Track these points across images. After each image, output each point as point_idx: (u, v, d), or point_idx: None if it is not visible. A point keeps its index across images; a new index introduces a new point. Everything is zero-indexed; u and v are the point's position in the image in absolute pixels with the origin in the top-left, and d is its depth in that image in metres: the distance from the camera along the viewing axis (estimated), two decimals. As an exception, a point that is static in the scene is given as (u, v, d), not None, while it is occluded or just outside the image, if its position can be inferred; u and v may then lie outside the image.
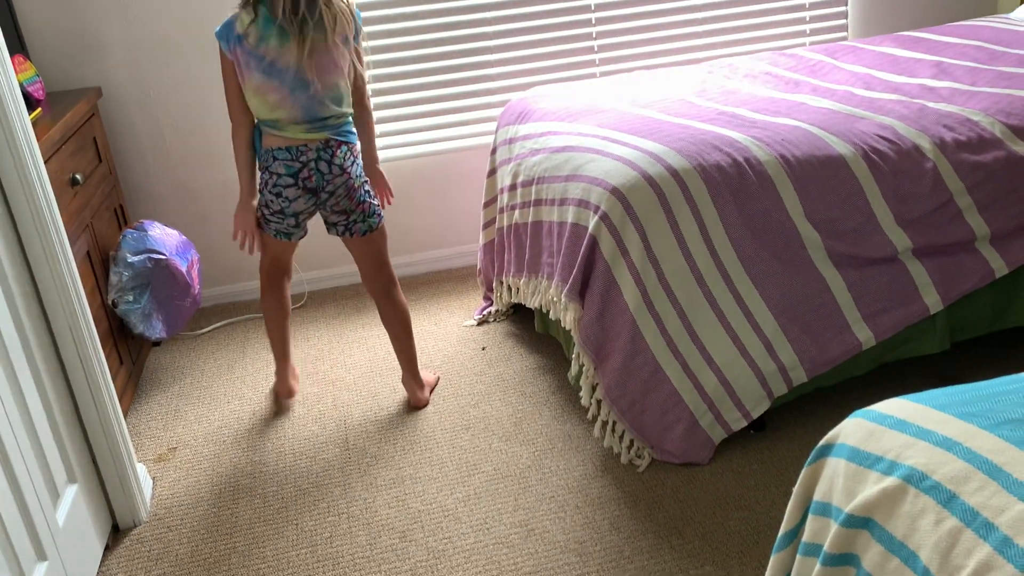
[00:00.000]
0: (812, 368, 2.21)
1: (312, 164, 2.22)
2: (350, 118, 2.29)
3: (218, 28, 2.16)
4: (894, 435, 1.10)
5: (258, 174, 2.31)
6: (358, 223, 2.34)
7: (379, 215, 2.38)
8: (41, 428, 1.81)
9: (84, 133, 2.63)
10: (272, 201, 2.27)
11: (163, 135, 3.06)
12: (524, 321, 2.95)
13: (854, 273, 2.20)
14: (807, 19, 3.51)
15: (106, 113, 2.98)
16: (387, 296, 2.46)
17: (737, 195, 2.13)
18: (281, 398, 2.62)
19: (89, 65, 2.92)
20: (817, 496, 1.19)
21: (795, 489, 1.25)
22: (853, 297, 2.21)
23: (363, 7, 3.08)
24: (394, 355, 2.71)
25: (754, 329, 2.16)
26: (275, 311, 2.54)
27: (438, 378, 2.65)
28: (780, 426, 2.30)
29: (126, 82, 2.97)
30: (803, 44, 3.51)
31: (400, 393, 2.62)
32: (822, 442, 1.22)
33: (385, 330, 2.64)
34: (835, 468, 1.16)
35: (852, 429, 1.16)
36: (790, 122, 2.35)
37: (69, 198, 2.37)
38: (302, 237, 2.40)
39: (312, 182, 2.24)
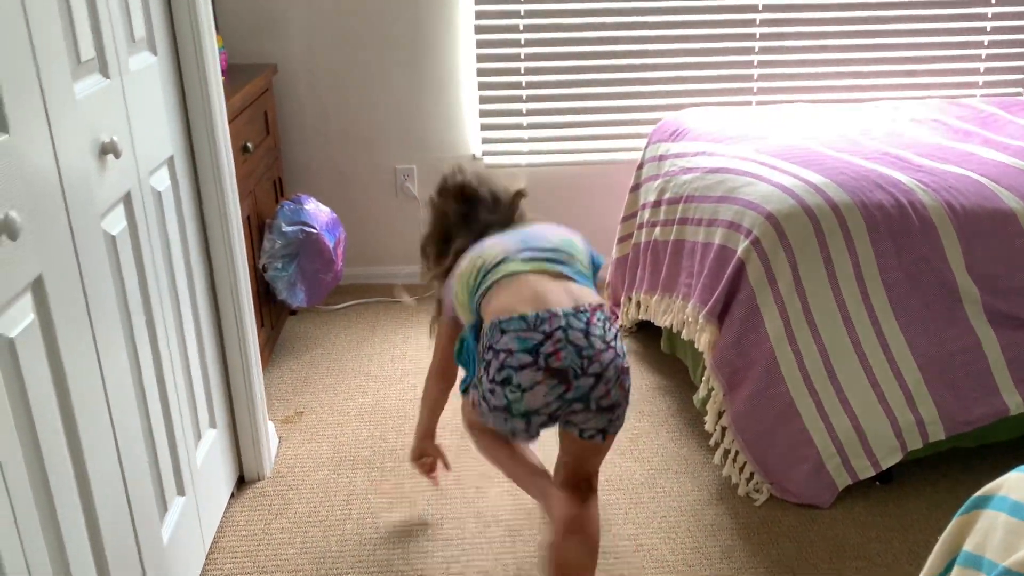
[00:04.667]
0: (951, 426, 2.12)
1: (563, 336, 1.55)
2: None
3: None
4: (1066, 495, 1.04)
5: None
6: (618, 421, 1.65)
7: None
8: (195, 372, 1.92)
9: (258, 105, 2.78)
10: (493, 393, 1.59)
11: (327, 116, 3.20)
12: (648, 340, 2.93)
13: (1011, 334, 2.10)
14: (981, 70, 3.37)
15: (277, 88, 3.14)
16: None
17: (896, 237, 2.06)
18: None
19: (269, 42, 3.09)
20: (968, 547, 1.14)
21: (942, 537, 1.20)
22: (1007, 360, 2.11)
23: (529, 14, 3.14)
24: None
25: (896, 377, 2.09)
26: (502, 445, 1.82)
27: None
28: (909, 481, 2.21)
29: (300, 61, 3.13)
30: (973, 95, 3.38)
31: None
32: (980, 492, 1.17)
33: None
34: (992, 521, 1.11)
35: (1017, 483, 1.11)
36: (959, 170, 2.26)
37: (239, 164, 2.51)
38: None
39: (563, 361, 1.54)
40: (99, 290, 1.40)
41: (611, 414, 1.62)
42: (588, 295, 1.64)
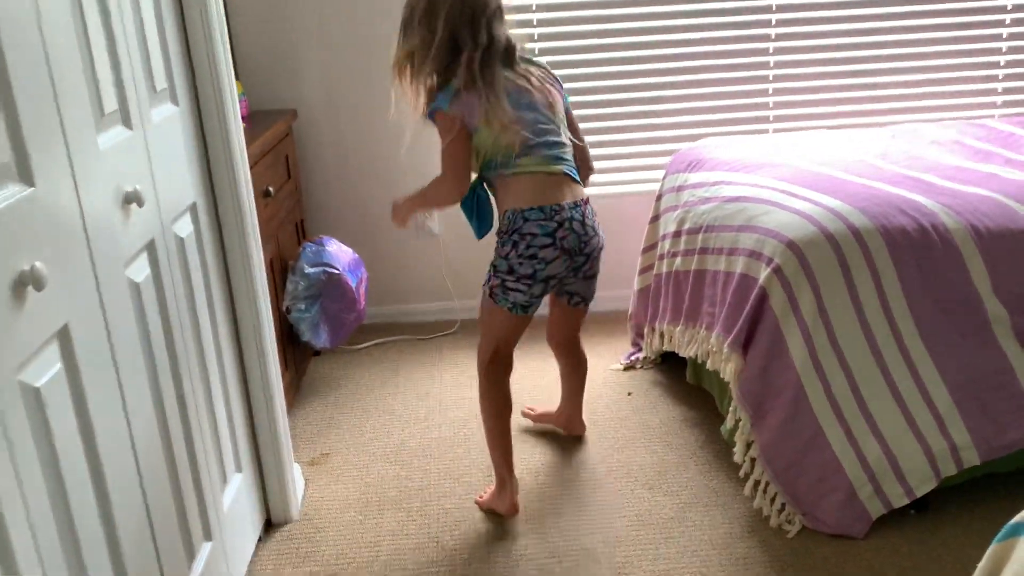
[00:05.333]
0: (987, 451, 2.07)
1: (567, 224, 2.07)
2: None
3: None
4: (1107, 521, 1.02)
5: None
6: (593, 290, 2.30)
7: None
8: (220, 416, 1.93)
9: (279, 150, 2.83)
10: (525, 265, 2.08)
11: (347, 157, 3.24)
12: (672, 371, 2.91)
13: (1043, 355, 2.07)
14: (999, 90, 3.36)
15: (298, 132, 3.19)
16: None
17: (921, 261, 2.05)
18: (508, 516, 2.23)
19: (289, 86, 3.15)
20: (1007, 575, 1.11)
21: (980, 565, 1.18)
22: (1040, 381, 2.07)
23: (544, 51, 3.18)
24: (544, 390, 2.75)
25: (927, 403, 2.05)
26: (500, 412, 2.23)
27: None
28: (945, 508, 2.16)
29: (320, 104, 3.18)
30: (992, 116, 3.36)
31: (546, 427, 2.63)
32: (1017, 519, 1.14)
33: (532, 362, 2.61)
34: (1032, 549, 1.08)
35: (1055, 510, 1.09)
36: (981, 192, 2.24)
37: (261, 208, 2.54)
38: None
39: (569, 242, 2.08)
40: (124, 337, 1.42)
41: (592, 282, 2.26)
42: (580, 191, 2.15)
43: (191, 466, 1.73)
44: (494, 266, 2.13)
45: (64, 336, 1.21)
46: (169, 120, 1.73)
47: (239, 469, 2.06)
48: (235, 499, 1.99)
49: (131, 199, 1.47)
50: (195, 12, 1.84)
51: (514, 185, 2.09)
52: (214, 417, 1.89)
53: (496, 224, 2.19)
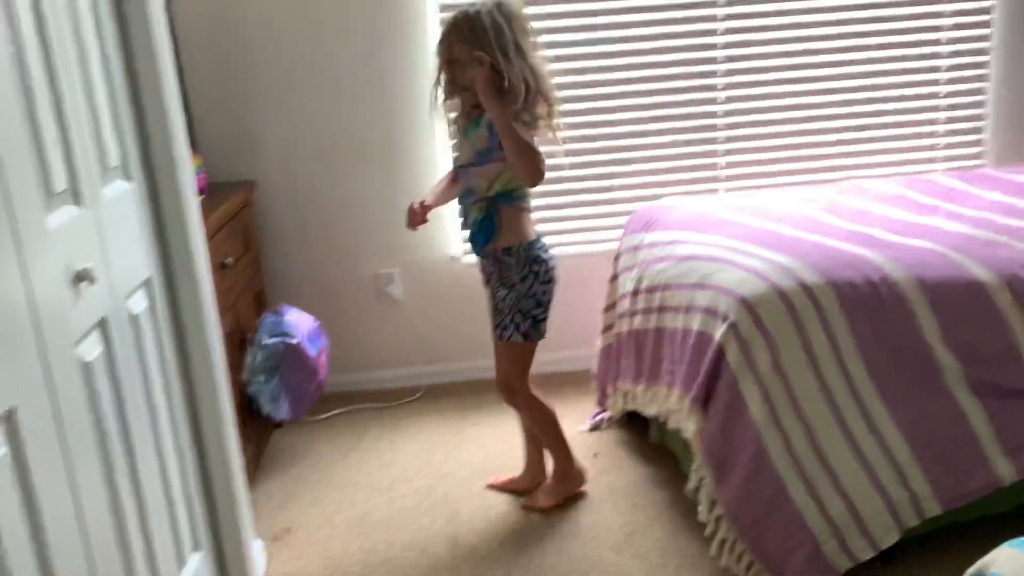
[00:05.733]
0: (946, 501, 2.09)
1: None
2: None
3: None
4: (1056, 569, 1.03)
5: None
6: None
7: None
8: (175, 493, 1.89)
9: (237, 221, 2.83)
10: (547, 291, 2.34)
11: (306, 226, 3.25)
12: (637, 430, 2.91)
13: (996, 403, 2.10)
14: (941, 145, 3.47)
15: (256, 203, 3.19)
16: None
17: (871, 314, 2.09)
18: (582, 484, 2.58)
19: (247, 159, 3.16)
20: (968, 627, 1.12)
21: (941, 620, 1.18)
22: (994, 429, 2.10)
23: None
24: (506, 454, 2.74)
25: (884, 455, 2.07)
26: (554, 416, 2.51)
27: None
28: (911, 561, 2.17)
29: (279, 175, 3.19)
30: (934, 170, 3.47)
31: (508, 498, 2.61)
32: (972, 571, 1.15)
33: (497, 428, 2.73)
34: (988, 601, 1.09)
35: (1007, 559, 1.10)
36: (926, 244, 2.30)
37: (219, 280, 2.52)
38: None
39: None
40: (74, 416, 1.39)
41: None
42: None
43: (145, 546, 1.68)
44: (519, 311, 2.32)
45: (10, 420, 1.19)
46: (122, 196, 1.73)
47: (197, 548, 2.01)
48: (193, 579, 1.94)
49: (82, 277, 1.46)
50: (149, 86, 1.84)
51: (524, 216, 2.33)
52: (170, 495, 1.85)
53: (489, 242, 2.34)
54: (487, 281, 2.42)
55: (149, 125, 1.87)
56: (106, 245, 1.61)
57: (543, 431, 2.52)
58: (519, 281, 2.30)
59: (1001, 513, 2.19)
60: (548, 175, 3.24)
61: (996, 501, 2.15)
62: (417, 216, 2.42)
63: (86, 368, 1.47)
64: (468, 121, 2.32)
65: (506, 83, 2.17)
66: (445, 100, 2.35)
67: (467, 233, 2.39)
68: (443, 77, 2.29)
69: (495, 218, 2.31)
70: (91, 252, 1.54)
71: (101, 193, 1.61)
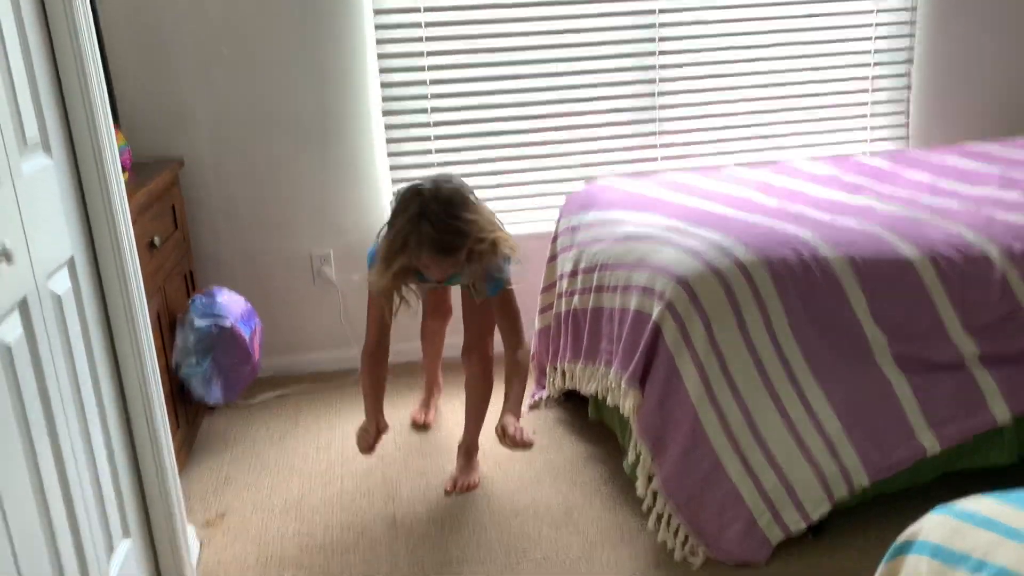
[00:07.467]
0: (874, 472, 2.16)
1: None
2: None
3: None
4: (981, 533, 1.07)
5: None
6: None
7: None
8: (104, 479, 1.83)
9: (165, 200, 2.74)
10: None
11: (237, 205, 3.17)
12: (576, 408, 2.93)
13: (920, 378, 2.17)
14: (869, 127, 3.56)
15: (184, 181, 3.10)
16: None
17: (803, 292, 2.13)
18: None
19: (174, 136, 3.06)
20: (896, 595, 1.15)
21: (871, 587, 1.22)
22: (919, 402, 2.17)
23: (436, 96, 3.20)
24: (445, 436, 2.73)
25: (816, 429, 2.13)
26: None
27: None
28: (840, 531, 2.23)
29: (208, 153, 3.10)
30: (864, 152, 3.56)
31: (448, 473, 2.60)
32: (901, 538, 1.19)
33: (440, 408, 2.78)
34: (916, 566, 1.13)
35: (935, 525, 1.13)
36: (856, 223, 2.36)
37: (146, 260, 2.45)
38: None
39: None
40: (-7, 402, 1.33)
41: None
42: None
43: (72, 534, 1.63)
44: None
45: (-77, 405, 1.13)
46: (42, 172, 1.65)
47: (127, 534, 1.95)
48: (123, 566, 1.88)
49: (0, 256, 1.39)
50: (69, 59, 1.77)
51: None
52: (98, 482, 1.79)
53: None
54: None
55: (69, 100, 1.79)
56: (25, 222, 1.54)
57: (487, 398, 2.58)
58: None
59: (926, 483, 2.26)
60: (484, 157, 3.31)
61: (918, 473, 2.22)
62: (372, 440, 2.44)
63: (6, 351, 1.41)
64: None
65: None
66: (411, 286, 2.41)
67: None
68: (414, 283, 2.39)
69: None
70: (9, 230, 1.47)
71: (20, 168, 1.54)
